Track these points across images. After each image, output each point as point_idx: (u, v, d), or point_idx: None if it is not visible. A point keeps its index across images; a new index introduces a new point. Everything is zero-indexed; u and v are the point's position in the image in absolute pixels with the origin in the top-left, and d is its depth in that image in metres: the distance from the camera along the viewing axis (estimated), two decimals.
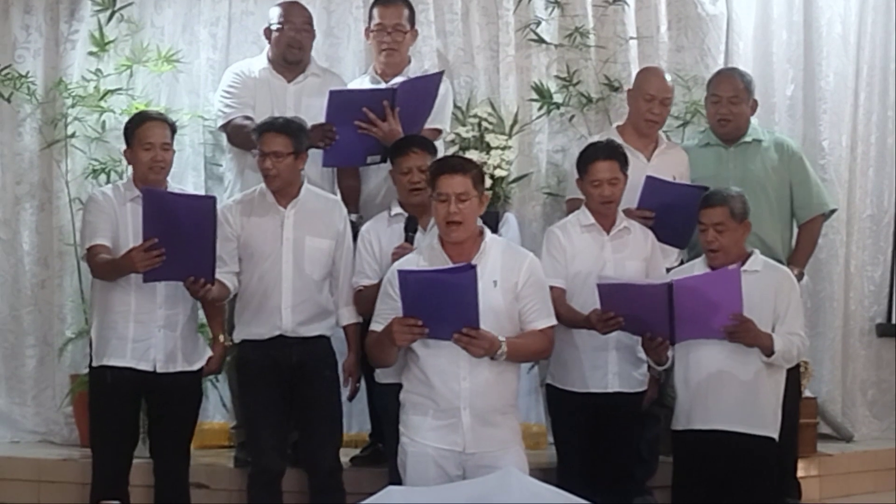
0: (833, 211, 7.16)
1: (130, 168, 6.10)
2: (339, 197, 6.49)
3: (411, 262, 5.55)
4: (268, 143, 6.00)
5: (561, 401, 6.17)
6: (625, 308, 5.75)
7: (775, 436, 5.82)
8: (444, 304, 5.25)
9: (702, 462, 5.82)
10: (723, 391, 5.77)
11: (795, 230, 7.10)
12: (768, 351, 5.71)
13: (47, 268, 7.38)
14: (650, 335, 5.75)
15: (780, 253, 6.76)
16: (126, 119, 7.04)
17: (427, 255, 5.54)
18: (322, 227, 6.12)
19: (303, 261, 6.06)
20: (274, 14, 6.84)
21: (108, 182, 7.09)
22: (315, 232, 6.09)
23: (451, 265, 5.40)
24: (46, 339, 7.38)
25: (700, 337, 5.74)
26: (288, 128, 6.04)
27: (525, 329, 5.54)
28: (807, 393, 7.38)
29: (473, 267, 5.24)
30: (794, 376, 6.36)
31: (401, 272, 5.31)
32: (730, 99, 6.91)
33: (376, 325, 5.53)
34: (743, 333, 5.67)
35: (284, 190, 6.06)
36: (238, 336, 6.14)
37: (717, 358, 5.78)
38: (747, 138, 6.94)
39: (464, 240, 5.48)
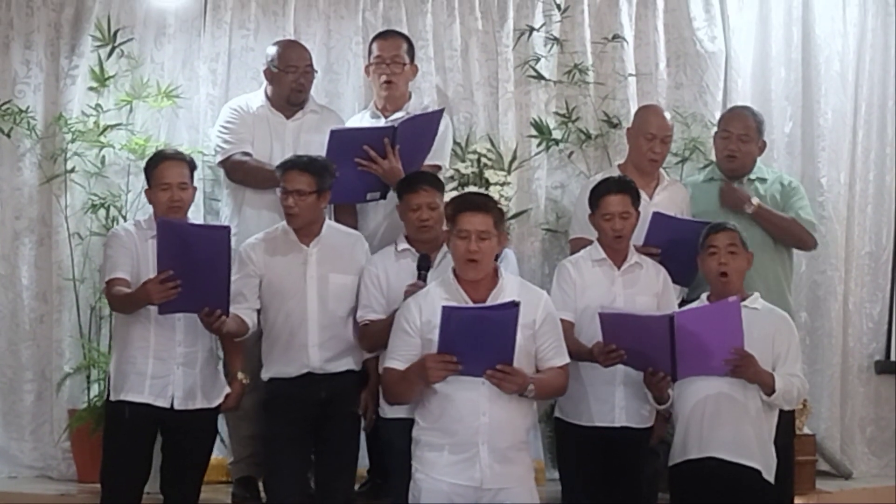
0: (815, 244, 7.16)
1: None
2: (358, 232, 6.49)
3: (428, 296, 5.56)
4: (291, 181, 6.01)
5: (568, 434, 6.19)
6: (627, 340, 5.76)
7: (765, 474, 5.79)
8: (481, 341, 5.27)
9: (697, 495, 5.81)
10: (718, 420, 5.76)
11: (794, 268, 7.16)
12: (769, 389, 5.71)
13: (46, 303, 7.36)
14: (652, 370, 5.75)
15: (767, 286, 6.70)
16: (126, 154, 7.16)
17: (444, 290, 5.55)
18: (345, 264, 6.14)
19: (327, 297, 6.08)
20: (273, 53, 6.87)
21: (107, 217, 7.12)
22: (339, 268, 6.11)
23: (468, 301, 5.44)
24: (45, 374, 7.34)
25: (702, 373, 5.74)
26: (312, 166, 6.05)
27: (542, 367, 5.57)
28: (805, 430, 7.40)
29: (517, 305, 5.28)
30: (789, 414, 6.36)
31: (445, 308, 5.30)
32: (739, 136, 6.95)
33: (394, 363, 5.54)
34: (744, 368, 5.67)
35: (307, 228, 6.09)
36: (266, 374, 6.16)
37: (714, 389, 5.77)
38: (751, 176, 6.97)
39: (480, 278, 5.50)
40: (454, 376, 5.36)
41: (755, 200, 6.83)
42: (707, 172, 7.24)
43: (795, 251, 7.16)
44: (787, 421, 6.30)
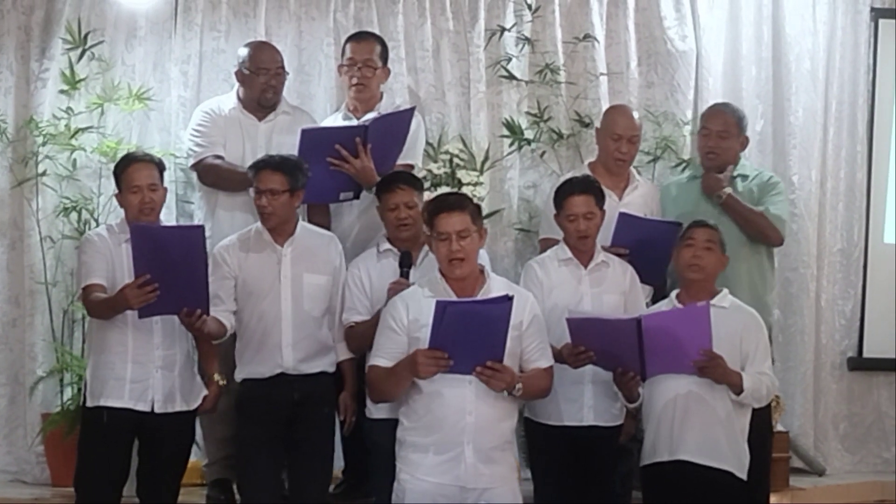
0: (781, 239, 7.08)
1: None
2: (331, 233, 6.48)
3: (415, 294, 5.57)
4: (264, 181, 6.01)
5: (538, 434, 6.18)
6: (595, 342, 5.77)
7: (738, 473, 5.79)
8: (472, 337, 5.27)
9: (669, 496, 5.82)
10: (687, 422, 5.77)
11: (776, 266, 7.21)
12: (737, 389, 5.71)
13: (18, 306, 7.33)
14: (621, 370, 5.76)
15: (741, 284, 6.71)
16: (97, 157, 7.12)
17: (430, 289, 5.55)
18: (319, 264, 6.14)
19: (301, 298, 6.07)
20: (245, 55, 6.86)
21: (79, 220, 7.10)
22: (312, 268, 6.11)
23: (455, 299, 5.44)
24: (17, 378, 7.32)
25: (670, 372, 5.74)
26: (284, 165, 6.05)
27: (526, 368, 5.57)
28: (779, 427, 7.41)
29: (511, 298, 5.29)
30: (765, 411, 6.37)
31: (439, 302, 5.29)
32: (719, 133, 6.91)
33: (380, 360, 5.54)
34: (712, 369, 5.67)
35: (280, 228, 6.08)
36: (239, 375, 6.15)
37: (683, 389, 5.77)
38: (733, 173, 6.93)
39: (466, 275, 5.51)
40: (440, 375, 5.36)
41: (727, 190, 6.81)
42: (691, 171, 7.22)
43: (775, 250, 7.14)
44: (764, 418, 6.32)
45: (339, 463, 6.84)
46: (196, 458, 7.06)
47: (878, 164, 8.27)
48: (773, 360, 6.83)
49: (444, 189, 7.24)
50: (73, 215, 7.16)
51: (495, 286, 5.57)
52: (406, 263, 6.03)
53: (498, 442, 5.50)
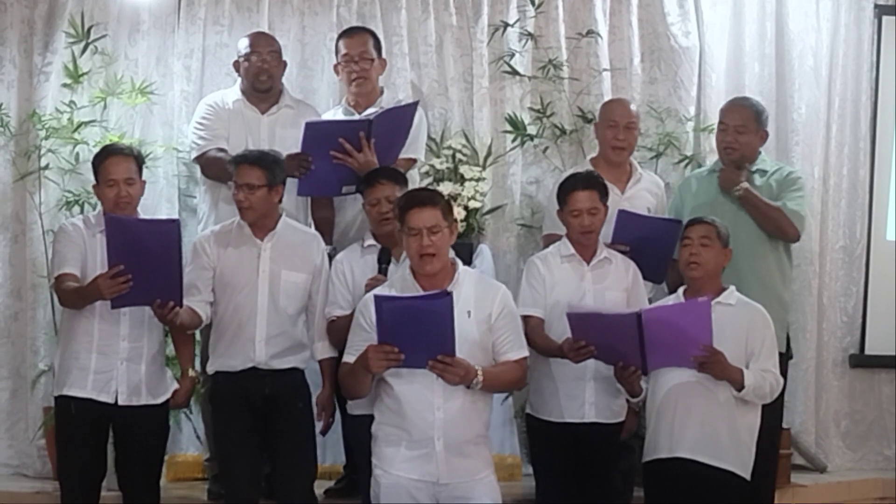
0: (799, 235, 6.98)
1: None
2: (316, 231, 6.45)
3: (390, 291, 5.53)
4: (242, 175, 5.97)
5: (539, 430, 6.18)
6: (596, 337, 5.74)
7: (741, 472, 5.76)
8: (419, 332, 5.24)
9: (670, 493, 5.80)
10: (687, 417, 5.75)
11: (794, 262, 7.12)
12: (738, 385, 5.68)
13: (20, 300, 7.35)
14: (622, 365, 5.75)
15: (760, 279, 6.70)
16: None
17: (399, 286, 5.54)
18: (299, 261, 6.10)
19: (278, 294, 6.03)
20: (242, 45, 6.89)
21: (81, 214, 7.08)
22: (291, 266, 6.07)
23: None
24: (19, 372, 7.33)
25: (671, 365, 5.72)
26: (262, 160, 6.01)
27: (498, 360, 5.54)
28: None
29: (449, 294, 5.24)
30: (777, 409, 6.36)
31: (377, 297, 5.30)
32: (736, 128, 6.83)
33: (349, 357, 5.53)
34: (712, 365, 5.65)
35: (261, 222, 6.04)
36: (211, 367, 6.11)
37: (684, 385, 5.75)
38: (752, 167, 6.85)
39: (437, 271, 5.49)
40: (409, 371, 5.34)
41: (745, 184, 6.74)
42: (713, 164, 7.15)
43: (792, 246, 7.02)
44: (774, 417, 6.32)
45: (340, 458, 6.85)
46: (198, 452, 7.09)
47: (880, 162, 8.26)
48: (791, 356, 6.86)
49: (448, 184, 7.25)
50: (76, 209, 7.14)
51: (464, 281, 5.54)
52: (385, 260, 6.03)
53: (470, 436, 5.47)
